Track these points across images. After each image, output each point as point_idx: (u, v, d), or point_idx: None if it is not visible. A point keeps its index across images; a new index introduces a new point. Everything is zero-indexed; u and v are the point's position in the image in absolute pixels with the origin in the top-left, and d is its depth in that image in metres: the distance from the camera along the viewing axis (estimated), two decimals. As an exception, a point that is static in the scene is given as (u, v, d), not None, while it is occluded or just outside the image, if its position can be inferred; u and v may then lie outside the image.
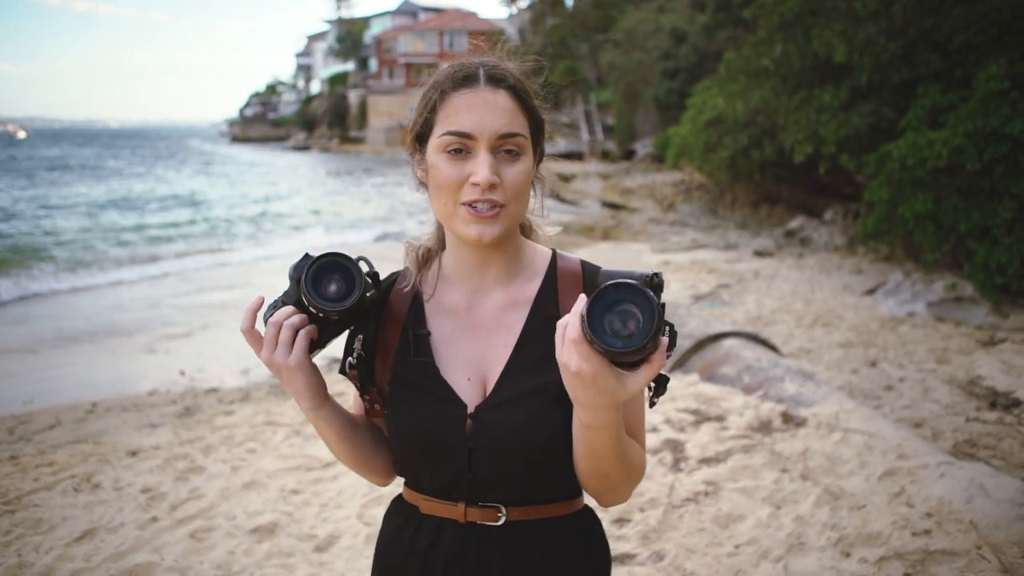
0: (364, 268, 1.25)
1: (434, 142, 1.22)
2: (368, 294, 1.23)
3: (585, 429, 1.11)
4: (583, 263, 1.34)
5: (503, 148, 1.19)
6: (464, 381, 1.27)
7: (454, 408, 1.25)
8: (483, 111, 1.18)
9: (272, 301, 1.25)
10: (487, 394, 1.25)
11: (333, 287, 1.20)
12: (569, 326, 0.99)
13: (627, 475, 1.21)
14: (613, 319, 0.95)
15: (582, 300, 0.98)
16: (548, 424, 1.21)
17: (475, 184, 1.17)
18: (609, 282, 0.96)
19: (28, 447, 4.90)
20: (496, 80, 1.21)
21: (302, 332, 1.21)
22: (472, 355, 1.28)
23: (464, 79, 1.21)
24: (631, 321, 0.95)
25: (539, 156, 1.31)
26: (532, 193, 1.31)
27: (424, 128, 1.25)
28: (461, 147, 1.19)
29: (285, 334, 1.20)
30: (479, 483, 1.24)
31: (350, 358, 1.30)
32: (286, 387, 1.26)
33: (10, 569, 3.22)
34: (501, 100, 1.20)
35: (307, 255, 1.22)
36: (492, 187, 1.18)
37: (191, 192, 27.90)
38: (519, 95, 1.22)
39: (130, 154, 56.68)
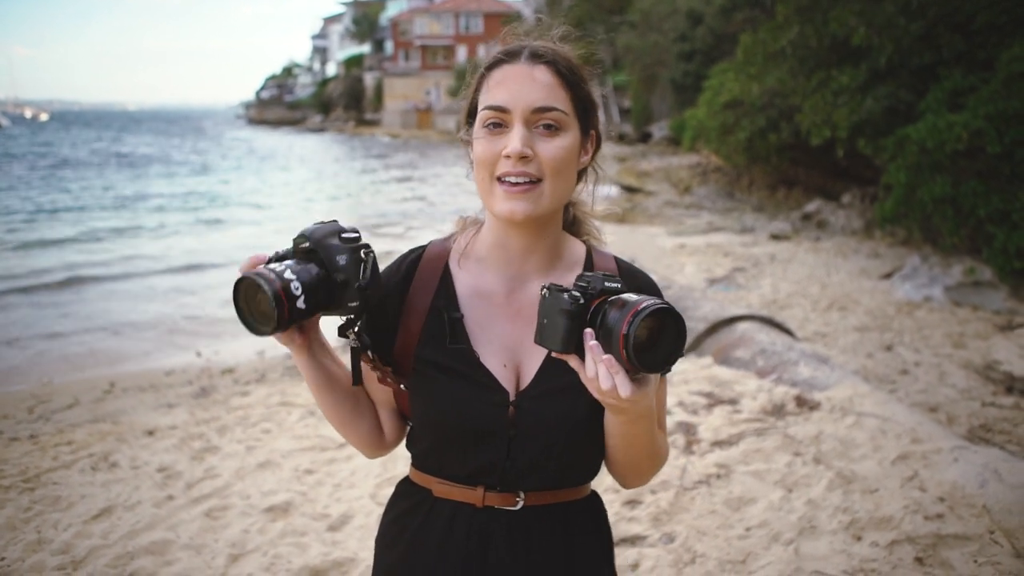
0: (352, 235, 1.17)
1: (477, 119, 1.22)
2: (367, 253, 1.15)
3: (623, 425, 1.15)
4: (617, 259, 1.36)
5: (540, 122, 1.18)
6: (500, 367, 1.25)
7: (495, 395, 1.23)
8: (519, 84, 1.17)
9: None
10: (524, 381, 1.24)
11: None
12: (618, 377, 1.03)
13: (654, 462, 1.28)
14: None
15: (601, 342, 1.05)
16: (588, 416, 1.22)
17: (507, 156, 1.16)
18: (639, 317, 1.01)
19: (47, 426, 4.98)
20: (536, 55, 1.20)
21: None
22: (508, 341, 1.26)
23: (507, 55, 1.21)
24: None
25: (595, 143, 1.29)
26: (584, 182, 1.31)
27: (471, 107, 1.25)
28: (499, 121, 1.18)
29: None
30: (513, 470, 1.23)
31: (352, 330, 1.21)
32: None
33: (30, 545, 3.28)
34: (539, 74, 1.18)
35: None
36: (524, 159, 1.16)
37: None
38: (560, 71, 1.20)
39: (181, 141, 52.70)
